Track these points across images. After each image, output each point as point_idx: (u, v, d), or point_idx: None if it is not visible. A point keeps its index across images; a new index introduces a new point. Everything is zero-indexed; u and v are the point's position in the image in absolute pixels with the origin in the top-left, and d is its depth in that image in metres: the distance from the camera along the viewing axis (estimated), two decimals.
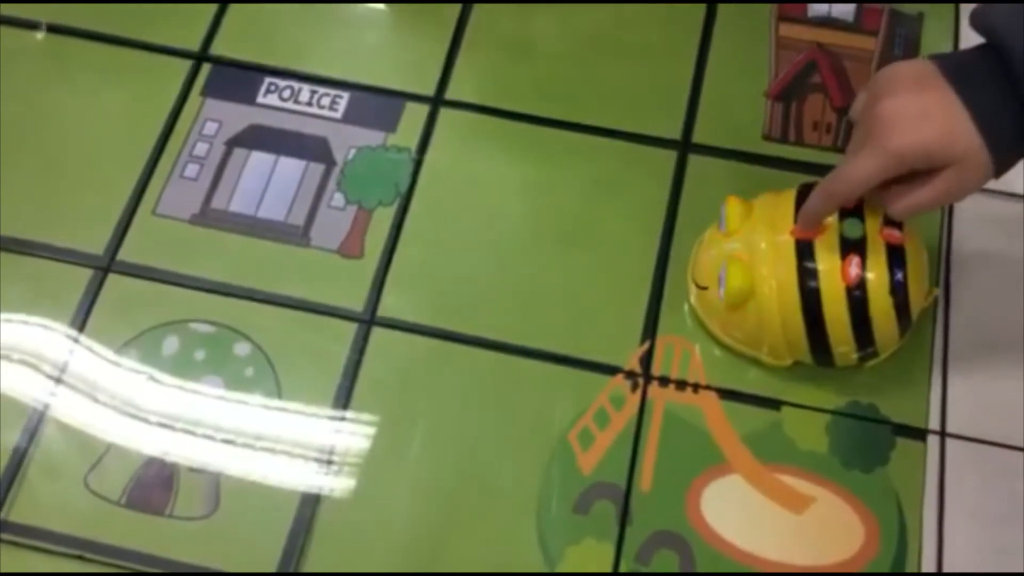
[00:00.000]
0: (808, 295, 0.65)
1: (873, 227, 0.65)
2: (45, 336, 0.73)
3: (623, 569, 0.65)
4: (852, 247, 0.64)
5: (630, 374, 0.71)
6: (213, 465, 0.69)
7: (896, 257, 0.64)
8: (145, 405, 0.71)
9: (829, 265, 0.64)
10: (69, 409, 0.71)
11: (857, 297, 0.64)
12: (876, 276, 0.64)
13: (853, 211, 0.65)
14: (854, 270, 0.64)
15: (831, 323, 0.65)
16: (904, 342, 0.69)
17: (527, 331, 0.73)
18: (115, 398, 0.71)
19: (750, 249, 0.67)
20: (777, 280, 0.65)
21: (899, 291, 0.65)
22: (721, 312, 0.70)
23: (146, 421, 0.70)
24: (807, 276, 0.65)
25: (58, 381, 0.72)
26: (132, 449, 0.70)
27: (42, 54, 0.84)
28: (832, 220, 0.65)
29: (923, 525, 0.66)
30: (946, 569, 0.65)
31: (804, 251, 0.65)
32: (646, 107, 0.81)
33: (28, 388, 0.71)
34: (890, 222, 0.65)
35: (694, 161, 0.79)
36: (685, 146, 0.79)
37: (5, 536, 0.67)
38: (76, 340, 0.73)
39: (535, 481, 0.68)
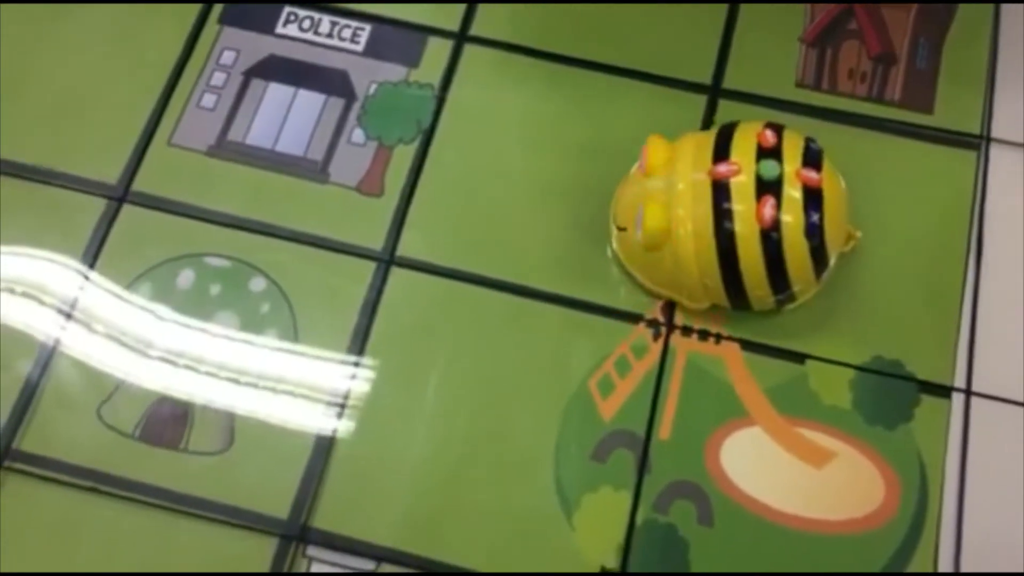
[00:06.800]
0: (723, 237, 0.63)
1: (791, 168, 0.63)
2: (57, 268, 0.72)
3: (640, 517, 0.65)
4: (768, 188, 0.63)
5: (652, 323, 0.70)
6: (227, 403, 0.68)
7: (813, 199, 0.63)
8: (159, 340, 0.70)
9: (745, 206, 0.63)
10: (82, 341, 0.70)
11: (771, 239, 0.63)
12: (791, 218, 0.63)
13: (771, 151, 0.64)
14: (769, 211, 0.62)
15: (746, 265, 0.64)
16: (822, 286, 0.68)
17: (549, 275, 0.72)
18: (128, 332, 0.70)
19: (669, 189, 0.65)
20: (693, 221, 0.64)
21: (814, 233, 0.63)
22: (640, 254, 0.67)
23: (160, 357, 0.69)
24: (723, 217, 0.63)
25: (70, 312, 0.71)
26: (145, 383, 0.69)
27: None
28: (750, 160, 0.64)
29: (944, 483, 0.66)
30: (966, 530, 0.65)
31: (720, 191, 0.63)
32: (677, 49, 0.78)
33: (41, 318, 0.70)
34: (808, 163, 0.64)
35: (724, 107, 0.76)
36: (715, 91, 0.77)
37: (16, 466, 0.66)
38: (89, 271, 0.72)
39: (553, 427, 0.67)
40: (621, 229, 0.69)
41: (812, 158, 0.65)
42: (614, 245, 0.71)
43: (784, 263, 0.63)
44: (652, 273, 0.69)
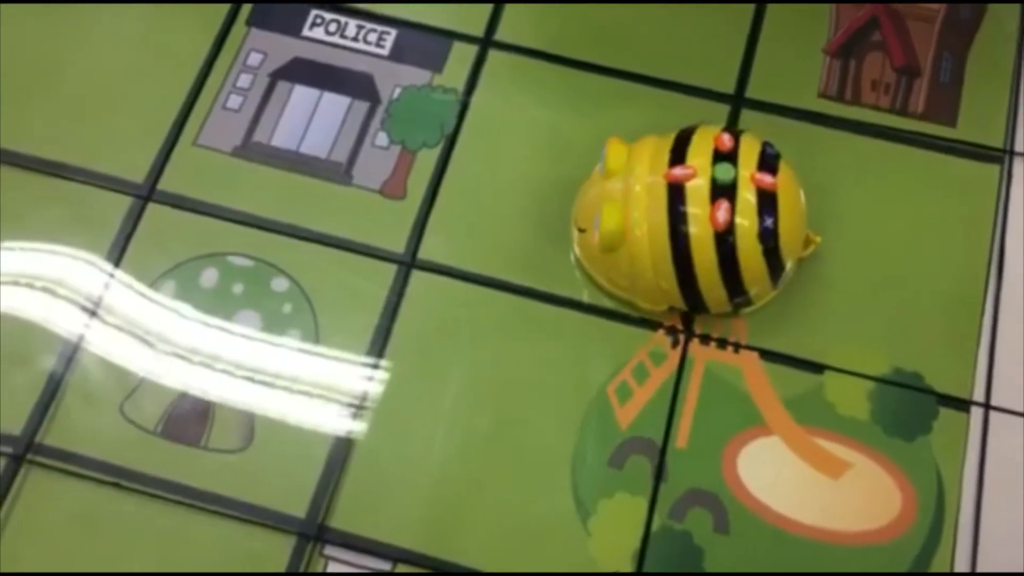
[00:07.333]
0: (678, 239, 0.64)
1: (746, 171, 0.64)
2: (83, 264, 0.73)
3: (656, 524, 0.65)
4: (722, 192, 0.63)
5: (671, 330, 0.70)
6: (248, 401, 0.69)
7: (767, 203, 0.64)
8: (181, 338, 0.71)
9: (700, 209, 0.63)
10: (106, 337, 0.71)
11: (726, 242, 0.63)
12: (744, 221, 0.63)
13: (727, 155, 0.64)
14: (722, 215, 0.63)
15: (700, 268, 0.64)
16: (779, 291, 0.69)
17: (569, 281, 0.72)
18: (151, 329, 0.71)
19: (626, 191, 0.66)
20: (649, 223, 0.64)
21: (768, 237, 0.63)
22: (598, 255, 0.68)
23: (182, 355, 0.70)
24: (678, 220, 0.63)
25: (95, 309, 0.71)
26: (168, 380, 0.69)
27: None
28: (706, 163, 0.64)
29: (961, 497, 0.66)
30: (982, 543, 0.65)
31: (676, 194, 0.64)
32: (701, 58, 0.79)
33: (66, 314, 0.71)
34: (764, 167, 0.64)
35: (747, 116, 0.77)
36: (738, 100, 0.77)
37: (39, 460, 0.67)
38: (114, 268, 0.72)
39: (571, 432, 0.68)
40: (581, 231, 0.70)
41: (768, 162, 0.65)
42: (575, 247, 0.71)
43: (738, 266, 0.64)
44: (610, 274, 0.69)
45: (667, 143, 0.67)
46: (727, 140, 0.65)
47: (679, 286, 0.65)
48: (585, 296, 0.71)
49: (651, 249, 0.64)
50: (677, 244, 0.64)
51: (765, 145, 0.66)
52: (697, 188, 0.63)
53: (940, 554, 0.64)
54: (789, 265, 0.66)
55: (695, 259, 0.64)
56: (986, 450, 0.67)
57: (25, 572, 0.65)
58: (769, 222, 0.63)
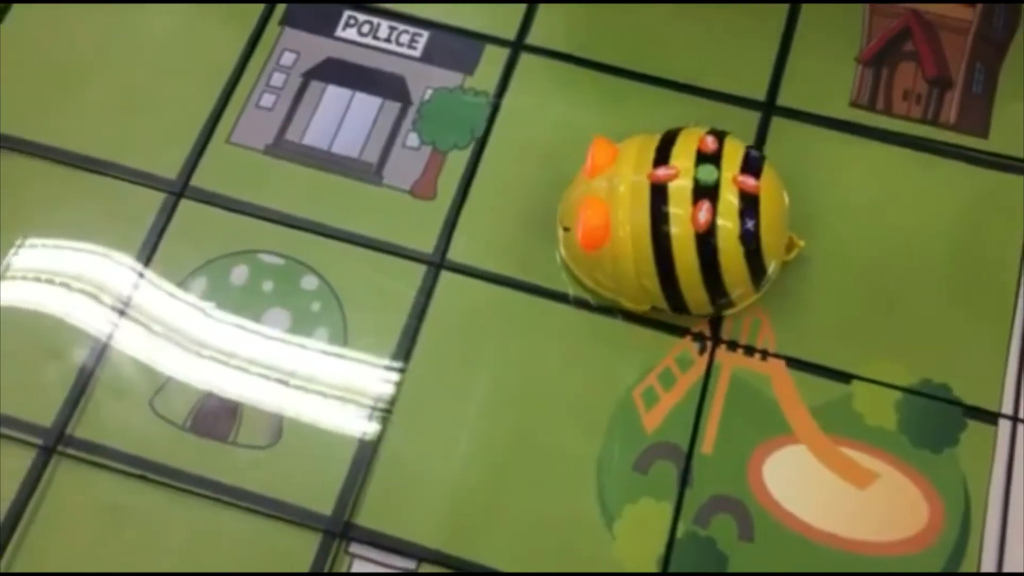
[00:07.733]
0: (660, 239, 0.64)
1: (729, 174, 0.64)
2: (116, 259, 0.73)
3: (680, 530, 0.65)
4: (704, 193, 0.63)
5: (698, 336, 0.70)
6: (276, 399, 0.69)
7: (749, 205, 0.64)
8: (211, 335, 0.71)
9: (682, 210, 0.63)
10: (136, 332, 0.71)
11: (707, 243, 0.63)
12: (726, 222, 0.63)
13: (711, 156, 0.64)
14: (703, 216, 0.63)
15: (681, 268, 0.64)
16: (762, 293, 0.69)
17: None
18: (182, 325, 0.71)
19: (611, 190, 0.66)
20: (632, 223, 0.64)
21: (749, 239, 0.63)
22: (582, 254, 0.68)
23: (212, 351, 0.71)
24: (660, 220, 0.64)
25: (127, 303, 0.72)
26: (197, 376, 0.70)
27: None
28: (689, 164, 0.64)
29: (988, 509, 0.65)
30: (1008, 557, 0.64)
31: (658, 194, 0.64)
32: (732, 64, 0.79)
33: (98, 309, 0.72)
34: (747, 169, 0.64)
35: (777, 123, 0.77)
36: (769, 108, 0.77)
37: (69, 451, 0.68)
38: (147, 263, 0.73)
39: (597, 436, 0.68)
40: (566, 229, 0.70)
41: (751, 165, 0.65)
42: (560, 246, 0.71)
43: (719, 267, 0.64)
44: (593, 273, 0.70)
45: (651, 143, 0.67)
46: (711, 142, 0.66)
47: (661, 286, 0.66)
48: (571, 292, 0.71)
49: (633, 249, 0.65)
50: (659, 244, 0.64)
51: (749, 148, 0.67)
52: (680, 189, 0.64)
53: (966, 567, 0.64)
54: (771, 268, 0.67)
55: (676, 259, 0.64)
56: (1013, 463, 0.67)
57: (52, 570, 0.65)
58: (750, 224, 0.63)
